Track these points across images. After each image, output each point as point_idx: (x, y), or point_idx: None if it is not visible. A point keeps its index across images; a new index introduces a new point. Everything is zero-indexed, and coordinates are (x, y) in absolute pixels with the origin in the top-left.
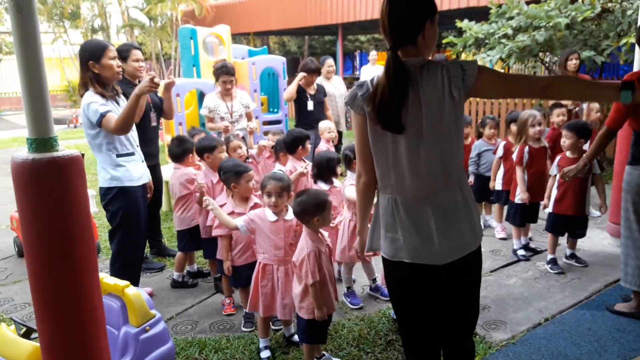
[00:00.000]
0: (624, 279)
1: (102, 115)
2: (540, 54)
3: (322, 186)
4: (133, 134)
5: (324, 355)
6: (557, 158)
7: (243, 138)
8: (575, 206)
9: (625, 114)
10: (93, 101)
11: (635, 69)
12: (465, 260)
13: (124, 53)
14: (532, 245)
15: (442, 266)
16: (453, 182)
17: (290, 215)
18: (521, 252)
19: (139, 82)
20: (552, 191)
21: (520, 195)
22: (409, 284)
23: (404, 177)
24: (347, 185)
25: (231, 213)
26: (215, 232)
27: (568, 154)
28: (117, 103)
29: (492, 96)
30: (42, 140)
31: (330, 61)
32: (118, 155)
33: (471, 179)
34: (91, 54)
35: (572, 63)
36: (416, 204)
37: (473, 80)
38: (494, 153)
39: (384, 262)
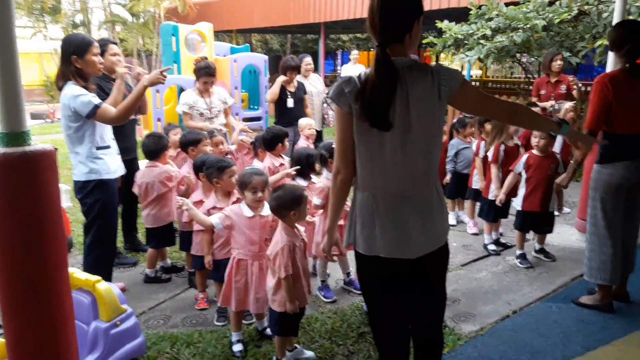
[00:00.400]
0: (588, 273)
1: (97, 107)
2: (518, 54)
3: (301, 182)
4: (107, 127)
5: (295, 347)
6: (525, 156)
7: (225, 134)
8: (543, 203)
9: (603, 115)
10: (82, 93)
11: (607, 70)
12: (436, 252)
13: (101, 48)
14: (502, 240)
15: (414, 259)
16: (432, 181)
17: (266, 211)
18: (492, 247)
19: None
20: (520, 189)
21: (494, 192)
22: (382, 277)
23: (388, 174)
24: (316, 188)
25: (213, 208)
26: (197, 227)
27: (536, 152)
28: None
29: (464, 110)
30: (14, 134)
31: (308, 59)
32: (98, 148)
33: (448, 177)
34: (75, 49)
35: (557, 64)
36: (397, 201)
37: (456, 89)
38: (476, 154)
39: (358, 257)
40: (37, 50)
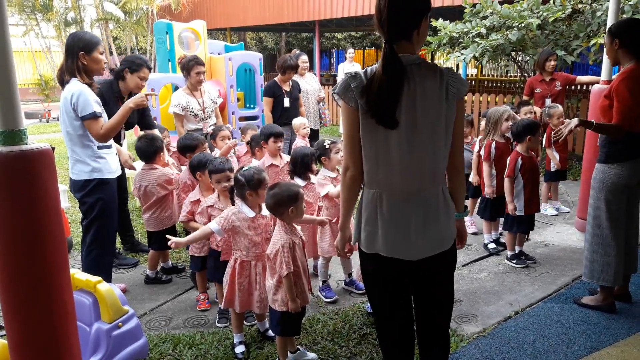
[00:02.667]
0: (589, 274)
1: (95, 115)
2: (513, 53)
3: (299, 182)
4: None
5: (298, 349)
6: (519, 161)
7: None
8: (538, 204)
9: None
10: (88, 93)
11: (603, 69)
12: (439, 256)
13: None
14: (502, 240)
15: (416, 261)
16: (438, 181)
17: (265, 210)
18: (492, 246)
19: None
20: (518, 195)
21: (486, 190)
22: (384, 276)
23: (393, 172)
24: (319, 183)
25: (211, 207)
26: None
27: (525, 153)
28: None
29: None
30: (10, 133)
31: (304, 57)
32: (100, 147)
33: None
34: (84, 45)
35: (551, 64)
36: (401, 200)
37: (460, 98)
38: (472, 149)
39: (361, 254)
40: (29, 48)
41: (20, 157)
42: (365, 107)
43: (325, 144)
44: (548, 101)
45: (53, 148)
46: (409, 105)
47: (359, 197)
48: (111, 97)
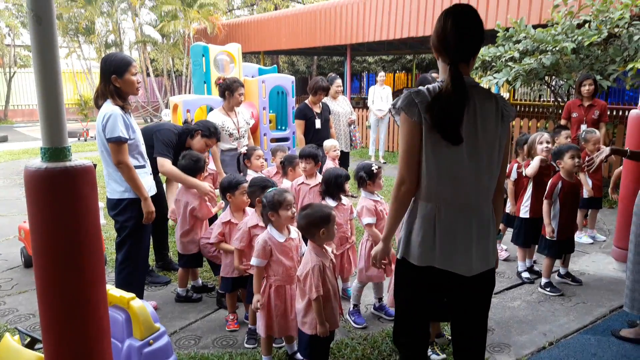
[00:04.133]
0: (630, 305)
1: (119, 140)
2: (547, 77)
3: (330, 203)
4: (142, 147)
5: None
6: (559, 184)
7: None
8: (575, 228)
9: None
10: (118, 116)
11: None
12: (486, 274)
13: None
14: (536, 268)
15: (468, 277)
16: (490, 198)
17: (293, 233)
18: (525, 275)
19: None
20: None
21: (509, 208)
22: (430, 290)
23: (454, 185)
24: (361, 209)
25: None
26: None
27: (566, 177)
28: (130, 116)
29: None
30: (55, 150)
31: (338, 81)
32: (133, 167)
33: None
34: (115, 69)
35: (585, 89)
36: (460, 214)
37: (509, 122)
38: (508, 176)
39: (407, 267)
40: (71, 69)
41: (64, 173)
42: (430, 121)
43: (372, 168)
44: (584, 127)
45: (95, 165)
46: (470, 123)
47: (411, 211)
48: (177, 147)
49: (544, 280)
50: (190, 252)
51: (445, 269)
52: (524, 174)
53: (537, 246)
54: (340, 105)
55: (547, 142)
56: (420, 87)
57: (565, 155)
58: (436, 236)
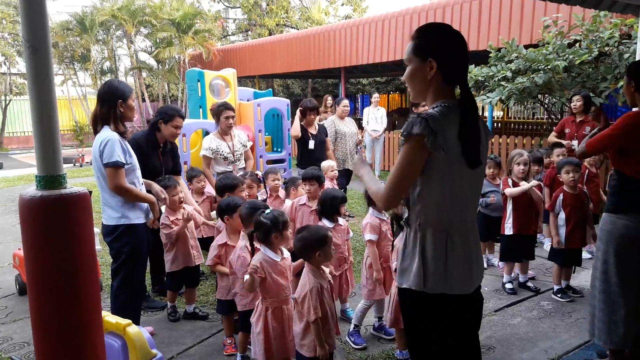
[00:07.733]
0: (596, 334)
1: (116, 164)
2: (540, 95)
3: (327, 224)
4: (138, 171)
5: None
6: (560, 196)
7: (258, 178)
8: (583, 239)
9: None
10: (116, 142)
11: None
12: (478, 288)
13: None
14: (530, 284)
15: (470, 294)
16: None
17: (285, 253)
18: (509, 286)
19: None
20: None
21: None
22: (448, 316)
23: (462, 207)
24: (366, 225)
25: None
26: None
27: (568, 189)
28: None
29: None
30: (51, 178)
31: (345, 102)
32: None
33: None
34: (122, 93)
35: (574, 105)
36: (467, 235)
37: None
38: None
39: (418, 297)
40: (66, 96)
41: (59, 201)
42: (460, 148)
43: None
44: (574, 142)
45: (90, 192)
46: (482, 144)
47: (417, 240)
48: (149, 147)
49: (555, 287)
50: (172, 270)
51: (460, 293)
52: (500, 192)
53: (530, 261)
54: (347, 126)
55: (525, 164)
56: (430, 113)
57: (562, 170)
58: (448, 262)
